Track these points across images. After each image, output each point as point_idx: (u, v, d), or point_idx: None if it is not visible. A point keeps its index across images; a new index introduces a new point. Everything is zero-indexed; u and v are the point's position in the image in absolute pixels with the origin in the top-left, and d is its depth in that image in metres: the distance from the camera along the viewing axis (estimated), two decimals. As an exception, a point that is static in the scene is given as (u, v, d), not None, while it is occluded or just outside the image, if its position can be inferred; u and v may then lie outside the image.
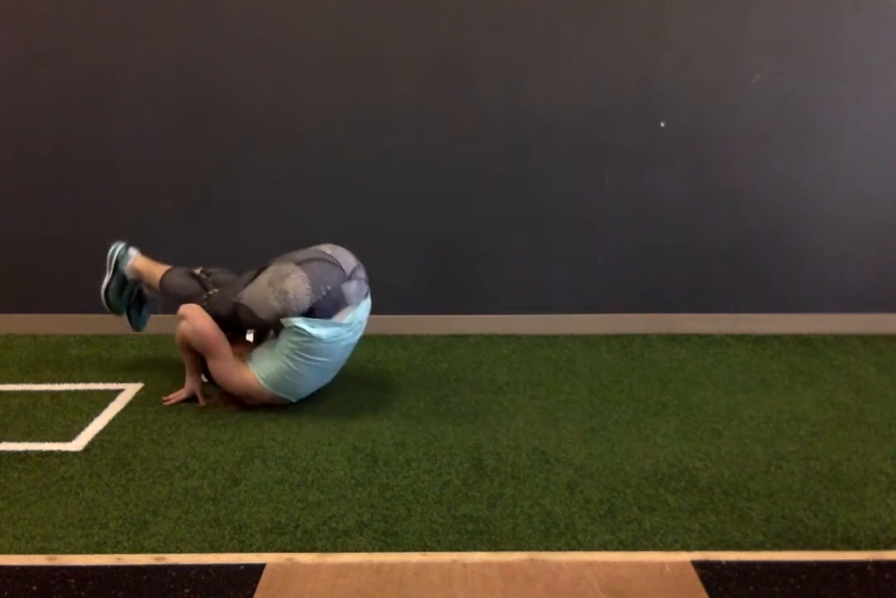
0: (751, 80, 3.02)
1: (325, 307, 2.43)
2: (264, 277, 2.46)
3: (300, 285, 2.40)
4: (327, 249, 2.55)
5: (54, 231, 3.22)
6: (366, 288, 2.57)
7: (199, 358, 2.55)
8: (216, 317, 2.51)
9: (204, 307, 2.52)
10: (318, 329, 2.41)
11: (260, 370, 2.48)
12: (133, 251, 2.83)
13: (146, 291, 2.89)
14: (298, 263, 2.45)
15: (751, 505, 2.01)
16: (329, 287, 2.44)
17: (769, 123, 3.07)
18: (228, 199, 3.18)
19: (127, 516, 1.97)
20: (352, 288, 2.50)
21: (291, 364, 2.45)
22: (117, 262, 2.79)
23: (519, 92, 3.05)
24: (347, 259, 2.54)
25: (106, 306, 2.83)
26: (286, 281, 2.41)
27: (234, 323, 2.54)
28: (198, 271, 2.73)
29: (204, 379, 2.65)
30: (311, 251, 2.53)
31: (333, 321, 2.45)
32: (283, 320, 2.42)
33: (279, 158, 3.13)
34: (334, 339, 2.46)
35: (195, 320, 2.45)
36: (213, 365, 2.50)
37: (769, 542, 1.86)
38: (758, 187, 3.15)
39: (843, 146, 3.10)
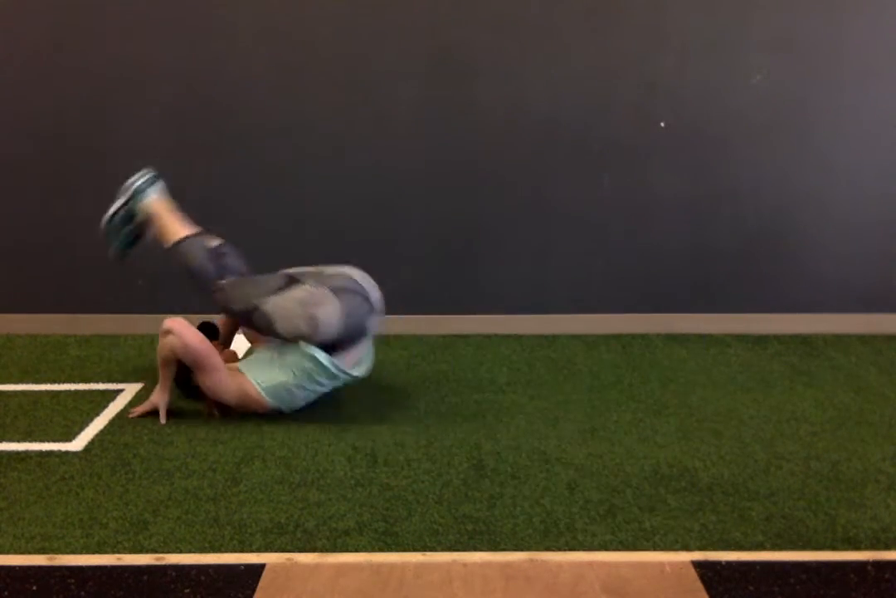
0: (751, 80, 3.02)
1: (345, 340, 2.45)
2: (296, 294, 2.42)
3: (332, 316, 2.39)
4: (357, 276, 2.52)
5: (54, 231, 3.22)
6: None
7: (175, 374, 2.47)
8: (224, 309, 2.51)
9: (214, 294, 2.47)
10: (331, 366, 2.43)
11: (260, 380, 2.46)
12: (156, 189, 2.60)
13: (148, 235, 2.67)
14: (335, 292, 2.42)
15: (751, 505, 2.01)
16: (356, 322, 2.45)
17: (769, 123, 3.07)
18: (229, 198, 3.18)
19: (127, 516, 1.97)
20: (373, 322, 2.53)
21: (296, 381, 2.44)
22: (134, 194, 2.59)
23: (519, 92, 3.05)
24: (374, 293, 2.54)
25: (103, 232, 2.62)
26: (320, 308, 2.39)
27: (241, 320, 2.54)
28: (213, 245, 2.57)
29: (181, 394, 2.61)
30: (345, 278, 2.49)
31: (345, 370, 2.47)
32: (301, 344, 2.41)
33: (280, 158, 3.13)
34: (341, 376, 2.49)
35: (184, 335, 2.34)
36: (205, 378, 2.41)
37: (769, 542, 1.86)
38: (758, 187, 3.15)
39: (843, 146, 3.10)
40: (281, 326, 2.41)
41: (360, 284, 2.50)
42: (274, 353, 2.51)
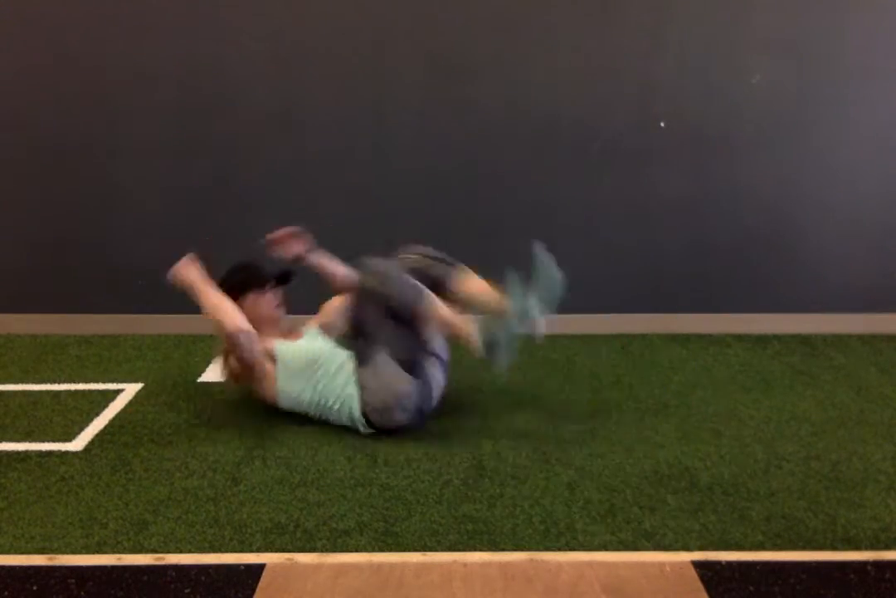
0: (751, 80, 3.02)
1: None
2: (394, 375, 2.36)
3: (401, 417, 2.38)
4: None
5: (54, 231, 3.22)
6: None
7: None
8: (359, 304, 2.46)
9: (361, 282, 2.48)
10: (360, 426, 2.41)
11: (286, 388, 2.43)
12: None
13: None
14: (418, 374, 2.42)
15: (751, 505, 2.01)
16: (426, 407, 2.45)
17: (769, 123, 3.07)
18: (229, 198, 3.18)
19: (127, 516, 1.97)
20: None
21: (312, 406, 2.44)
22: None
23: (519, 92, 3.05)
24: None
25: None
26: (395, 410, 2.36)
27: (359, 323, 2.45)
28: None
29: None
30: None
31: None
32: (355, 407, 2.38)
33: (280, 158, 3.13)
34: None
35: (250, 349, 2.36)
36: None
37: (769, 542, 1.86)
38: (758, 187, 3.15)
39: (843, 146, 3.09)
40: (372, 386, 2.36)
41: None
42: (331, 368, 2.42)
